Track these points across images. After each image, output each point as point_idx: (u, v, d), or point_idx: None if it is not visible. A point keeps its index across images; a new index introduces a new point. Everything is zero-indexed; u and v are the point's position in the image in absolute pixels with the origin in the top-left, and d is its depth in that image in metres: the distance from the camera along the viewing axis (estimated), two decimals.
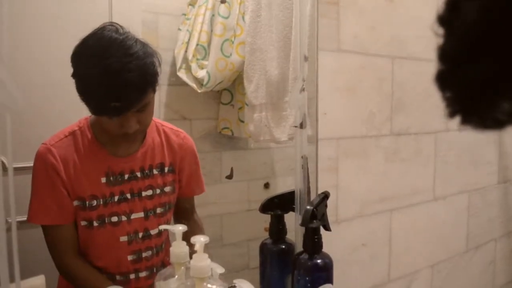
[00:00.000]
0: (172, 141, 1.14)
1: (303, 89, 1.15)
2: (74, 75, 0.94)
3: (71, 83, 0.95)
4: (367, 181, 1.52)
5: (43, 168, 1.00)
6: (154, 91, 1.00)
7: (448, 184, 1.81)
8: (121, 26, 0.97)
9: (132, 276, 1.09)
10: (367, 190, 1.52)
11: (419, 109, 1.65)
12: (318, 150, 1.34)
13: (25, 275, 0.75)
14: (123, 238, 1.07)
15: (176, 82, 1.33)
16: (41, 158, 1.01)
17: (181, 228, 0.93)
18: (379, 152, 1.55)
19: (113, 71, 0.90)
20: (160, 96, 1.31)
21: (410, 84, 1.62)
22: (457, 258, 1.90)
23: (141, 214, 1.09)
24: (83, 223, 1.04)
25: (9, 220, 0.71)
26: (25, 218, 1.00)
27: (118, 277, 1.08)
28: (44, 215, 1.01)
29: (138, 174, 1.08)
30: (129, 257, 1.08)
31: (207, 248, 0.90)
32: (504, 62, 0.32)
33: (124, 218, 1.06)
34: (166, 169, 1.13)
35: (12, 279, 0.68)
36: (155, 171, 1.11)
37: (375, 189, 1.54)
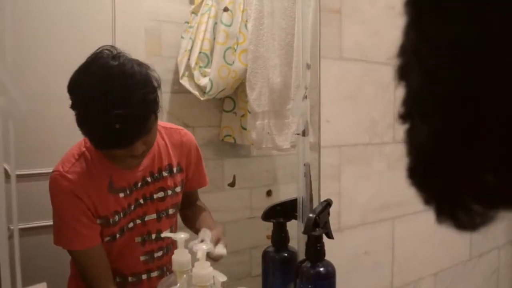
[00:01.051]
0: (174, 140, 1.14)
1: (305, 97, 1.15)
2: (73, 107, 0.92)
3: None
4: (369, 188, 1.51)
5: (65, 197, 0.99)
6: (156, 116, 0.98)
7: None
8: (115, 48, 0.94)
9: (144, 276, 1.10)
10: (369, 198, 1.52)
11: None
12: (320, 157, 1.34)
13: (27, 282, 0.75)
14: (137, 239, 1.08)
15: (178, 90, 1.33)
16: (60, 187, 0.99)
17: (183, 236, 0.93)
18: (382, 160, 1.54)
19: (114, 107, 0.86)
20: (163, 104, 1.31)
21: None
22: (460, 266, 1.89)
23: (154, 216, 1.09)
24: (106, 239, 1.03)
25: (11, 227, 0.71)
26: (27, 225, 1.01)
27: (130, 279, 1.09)
28: (79, 241, 1.00)
29: (149, 179, 1.08)
30: (142, 258, 1.09)
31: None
32: (453, 183, 0.33)
33: (138, 221, 1.07)
34: (174, 170, 1.13)
35: (14, 286, 0.68)
36: (164, 173, 1.11)
37: (377, 196, 1.54)
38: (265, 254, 1.16)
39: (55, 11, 1.14)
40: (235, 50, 1.36)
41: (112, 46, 0.94)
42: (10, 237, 0.70)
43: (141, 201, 1.07)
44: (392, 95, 1.56)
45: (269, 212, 1.16)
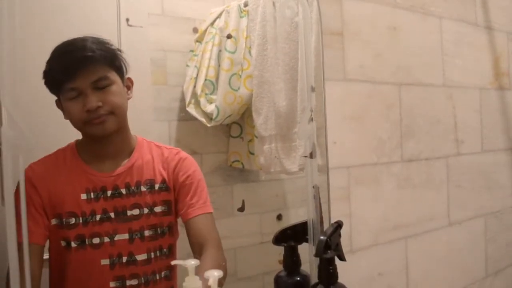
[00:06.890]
0: (164, 157, 1.10)
1: (311, 119, 1.16)
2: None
3: None
4: (380, 209, 1.50)
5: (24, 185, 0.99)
6: (114, 68, 1.03)
7: (463, 209, 1.79)
8: None
9: None
10: (380, 218, 1.50)
11: (428, 134, 1.65)
12: (329, 179, 1.33)
13: None
14: (105, 261, 0.99)
15: (185, 117, 1.34)
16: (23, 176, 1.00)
17: (193, 262, 0.91)
18: (391, 179, 1.54)
19: (70, 42, 0.98)
20: (170, 132, 1.33)
21: (418, 109, 1.62)
22: (477, 285, 1.85)
23: (126, 236, 1.01)
24: (62, 243, 0.98)
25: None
26: None
27: None
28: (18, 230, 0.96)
29: (123, 191, 1.03)
30: (111, 284, 1.00)
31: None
32: None
33: (106, 239, 1.00)
34: (156, 186, 1.07)
35: None
36: (143, 188, 1.05)
37: (388, 216, 1.52)
38: (277, 279, 1.15)
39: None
40: (240, 76, 1.38)
41: None
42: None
43: (112, 214, 1.00)
44: (398, 114, 1.56)
45: (280, 236, 1.15)
